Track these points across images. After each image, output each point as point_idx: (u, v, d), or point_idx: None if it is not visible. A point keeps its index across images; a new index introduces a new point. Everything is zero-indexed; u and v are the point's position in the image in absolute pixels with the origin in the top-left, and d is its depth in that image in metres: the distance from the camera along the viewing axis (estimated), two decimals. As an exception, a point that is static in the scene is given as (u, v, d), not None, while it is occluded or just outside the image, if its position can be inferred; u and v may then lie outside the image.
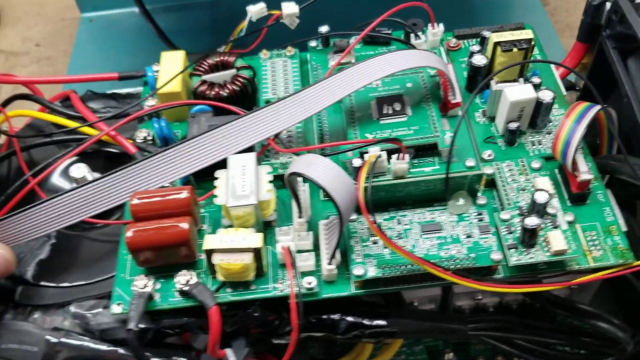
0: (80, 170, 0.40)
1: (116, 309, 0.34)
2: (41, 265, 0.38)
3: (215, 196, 0.35)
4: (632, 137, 0.43)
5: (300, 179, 0.37)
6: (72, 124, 0.43)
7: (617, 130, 0.44)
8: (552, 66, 0.46)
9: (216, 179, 0.36)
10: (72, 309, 0.36)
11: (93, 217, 0.39)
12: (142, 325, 0.35)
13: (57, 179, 0.43)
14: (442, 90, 0.41)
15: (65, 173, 0.42)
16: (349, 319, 0.37)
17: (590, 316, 0.40)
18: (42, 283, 0.37)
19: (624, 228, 0.38)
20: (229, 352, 0.35)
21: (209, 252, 0.34)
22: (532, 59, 0.43)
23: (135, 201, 0.35)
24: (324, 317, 0.37)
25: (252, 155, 0.37)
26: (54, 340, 0.34)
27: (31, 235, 0.36)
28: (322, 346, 0.45)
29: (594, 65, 0.49)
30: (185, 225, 0.34)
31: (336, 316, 0.37)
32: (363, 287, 0.35)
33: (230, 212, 0.35)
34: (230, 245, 0.34)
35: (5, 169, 0.44)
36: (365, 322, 0.37)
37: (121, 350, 0.35)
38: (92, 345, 0.35)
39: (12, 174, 0.44)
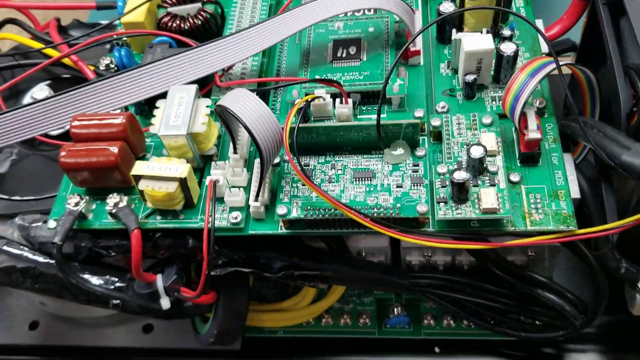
0: (43, 92, 0.40)
1: (52, 224, 0.35)
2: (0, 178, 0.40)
3: (151, 124, 0.35)
4: (612, 103, 0.39)
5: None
6: (48, 49, 0.44)
7: (598, 94, 0.40)
8: (537, 22, 0.42)
9: (157, 108, 0.36)
10: (17, 221, 0.37)
11: (50, 137, 0.40)
12: (83, 244, 0.36)
13: (28, 101, 0.43)
14: (406, 38, 0.39)
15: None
16: (283, 259, 0.36)
17: (538, 285, 0.37)
18: (-4, 194, 0.39)
19: (575, 195, 0.35)
20: (159, 277, 0.35)
21: (137, 178, 0.34)
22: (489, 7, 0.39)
23: (75, 123, 0.35)
24: (256, 254, 0.36)
25: (193, 87, 0.36)
26: (-7, 247, 0.36)
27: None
28: (274, 287, 0.44)
29: (588, 24, 0.44)
30: (114, 149, 0.34)
31: (270, 255, 0.36)
32: (289, 228, 0.34)
33: (164, 141, 0.35)
34: (156, 172, 0.33)
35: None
36: (298, 263, 0.36)
37: (51, 264, 0.36)
38: (30, 256, 0.36)
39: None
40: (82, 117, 0.35)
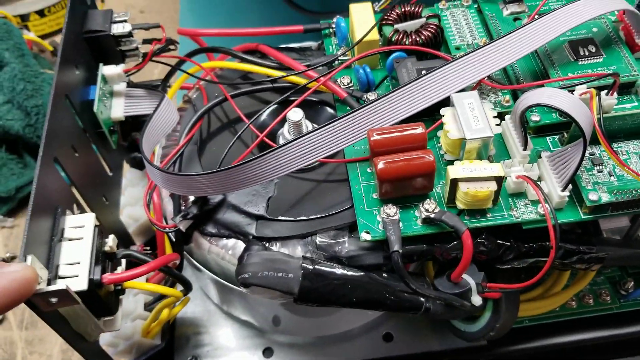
0: (297, 114, 0.40)
1: (366, 236, 0.35)
2: (272, 202, 0.39)
3: (447, 131, 0.36)
4: None
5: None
6: (274, 73, 0.43)
7: None
8: None
9: (442, 115, 0.37)
10: (318, 239, 0.37)
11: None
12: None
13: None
14: (624, 35, 0.42)
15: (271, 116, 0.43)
16: (567, 245, 0.37)
17: None
18: (280, 217, 0.38)
19: None
20: (466, 276, 0.36)
21: (455, 181, 0.34)
22: None
23: (375, 137, 0.35)
24: (544, 243, 0.37)
25: (475, 93, 0.37)
26: (309, 267, 0.35)
27: (269, 177, 0.35)
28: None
29: None
30: (431, 157, 0.34)
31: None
32: (592, 213, 0.36)
33: (467, 145, 0.35)
34: (474, 174, 0.34)
35: (206, 118, 0.44)
36: (581, 248, 0.37)
37: (368, 275, 0.35)
38: (341, 271, 0.35)
39: (213, 121, 0.44)
40: (379, 130, 0.35)
